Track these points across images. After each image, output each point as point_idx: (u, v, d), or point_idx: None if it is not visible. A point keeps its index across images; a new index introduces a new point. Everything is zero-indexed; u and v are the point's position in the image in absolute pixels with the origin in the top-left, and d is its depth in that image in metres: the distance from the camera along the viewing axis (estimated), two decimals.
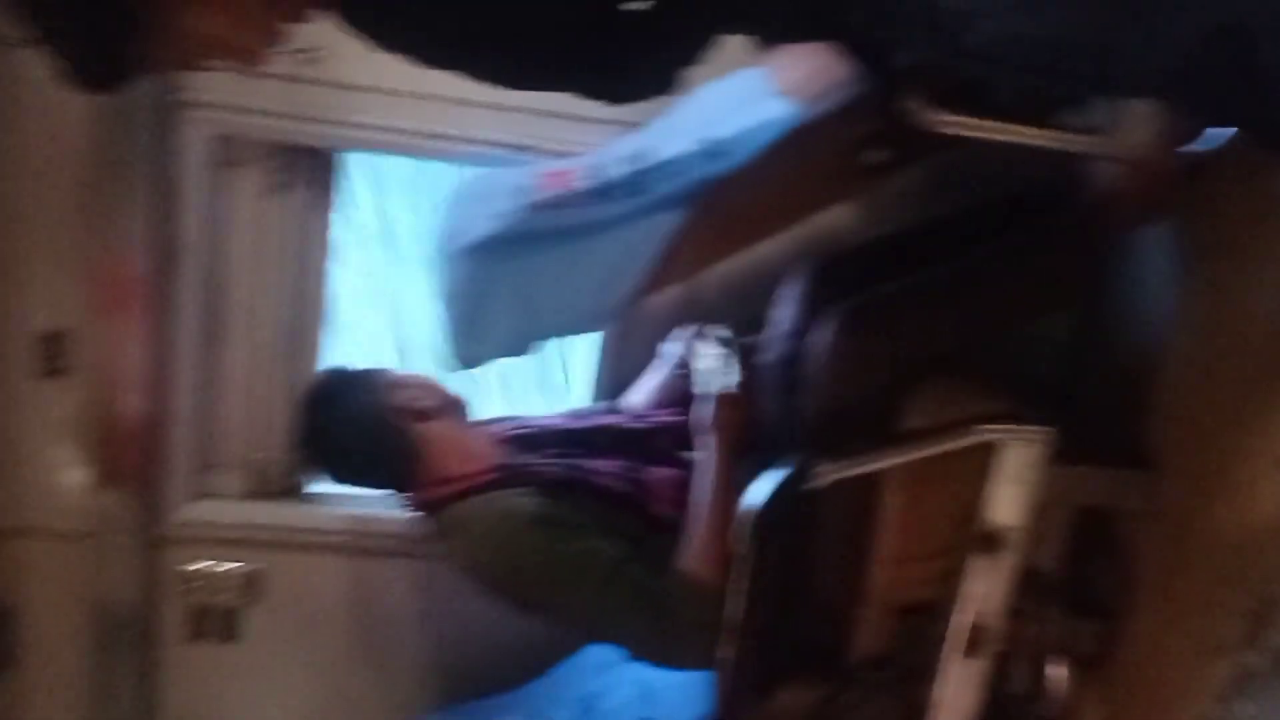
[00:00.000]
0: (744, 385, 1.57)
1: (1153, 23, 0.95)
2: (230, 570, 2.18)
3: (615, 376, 2.06)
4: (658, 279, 1.45)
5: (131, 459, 2.05)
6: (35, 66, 1.10)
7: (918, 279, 1.60)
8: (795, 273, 1.76)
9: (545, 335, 1.58)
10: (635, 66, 1.10)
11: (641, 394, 1.94)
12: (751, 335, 1.88)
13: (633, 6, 1.03)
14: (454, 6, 1.03)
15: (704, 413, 1.60)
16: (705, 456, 1.58)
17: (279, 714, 2.29)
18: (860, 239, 1.77)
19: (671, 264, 1.45)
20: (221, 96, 1.85)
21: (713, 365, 1.63)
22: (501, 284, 1.47)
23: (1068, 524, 1.71)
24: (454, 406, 1.72)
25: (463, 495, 1.62)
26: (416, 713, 2.24)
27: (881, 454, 1.51)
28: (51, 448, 2.06)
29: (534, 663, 2.17)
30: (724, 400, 1.58)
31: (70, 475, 2.07)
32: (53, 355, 1.98)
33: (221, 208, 1.98)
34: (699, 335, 1.75)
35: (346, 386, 1.70)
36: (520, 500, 1.56)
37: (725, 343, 1.64)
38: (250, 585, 2.19)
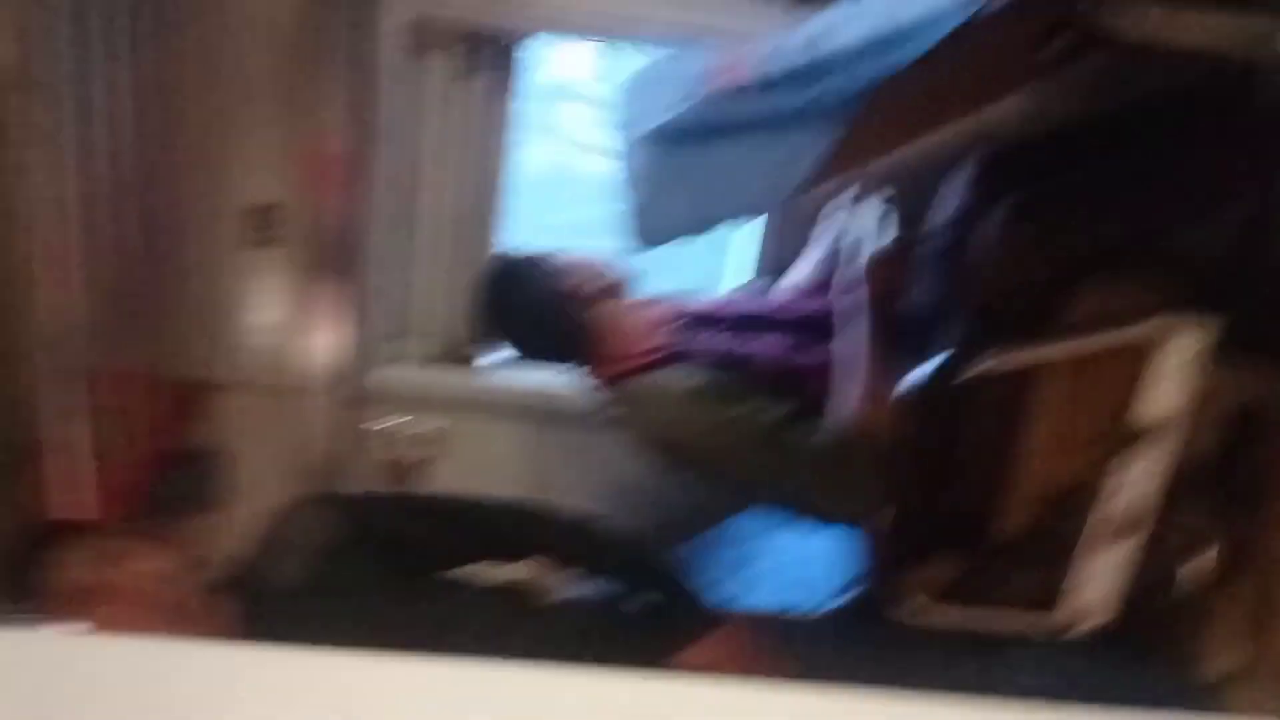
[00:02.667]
0: (900, 247, 1.57)
1: None
2: (417, 430, 2.37)
3: (779, 253, 2.13)
4: (829, 168, 1.50)
5: (332, 322, 2.23)
6: None
7: (1088, 172, 1.61)
8: (964, 162, 1.78)
9: (721, 219, 1.64)
10: None
11: (803, 269, 2.00)
12: (922, 213, 1.92)
13: None
14: None
15: (858, 271, 1.63)
16: (858, 316, 1.62)
17: None
18: (1032, 131, 1.77)
19: (843, 154, 1.48)
20: None
21: (870, 226, 1.65)
22: (680, 170, 1.53)
23: (1226, 415, 1.73)
24: (624, 287, 1.81)
25: (632, 373, 1.72)
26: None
27: (1043, 346, 1.55)
28: (262, 311, 2.26)
29: (693, 525, 2.31)
30: (878, 258, 1.60)
31: (278, 336, 2.27)
32: (263, 227, 2.16)
33: (413, 91, 2.09)
34: (860, 199, 1.78)
35: (520, 271, 1.80)
36: (687, 374, 1.66)
37: (885, 205, 1.65)
38: (435, 444, 2.39)
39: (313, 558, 1.57)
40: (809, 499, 1.60)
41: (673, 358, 1.71)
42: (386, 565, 1.61)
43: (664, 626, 1.66)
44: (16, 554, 1.50)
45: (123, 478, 2.07)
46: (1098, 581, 1.69)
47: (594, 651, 1.61)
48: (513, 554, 1.72)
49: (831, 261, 1.90)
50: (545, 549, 1.70)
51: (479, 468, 2.43)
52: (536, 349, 1.84)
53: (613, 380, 1.75)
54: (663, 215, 1.56)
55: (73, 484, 1.89)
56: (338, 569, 1.58)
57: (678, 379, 1.66)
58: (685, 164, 1.50)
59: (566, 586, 1.72)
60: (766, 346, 1.73)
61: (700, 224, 1.60)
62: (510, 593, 1.70)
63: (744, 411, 1.59)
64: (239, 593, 1.56)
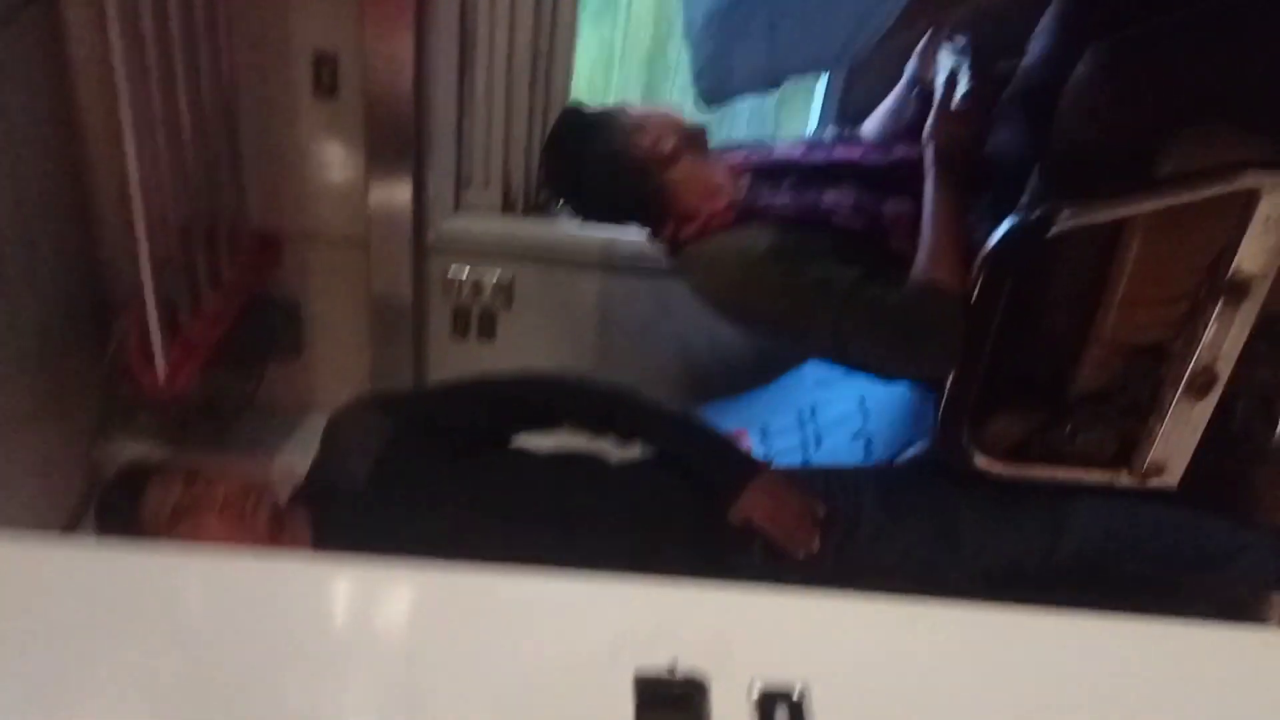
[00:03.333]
0: (975, 98, 1.50)
1: None
2: (486, 278, 2.39)
3: (855, 99, 2.06)
4: (909, 16, 1.42)
5: (397, 173, 2.22)
6: None
7: (1189, 13, 1.50)
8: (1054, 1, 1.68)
9: (791, 73, 1.57)
10: None
11: (879, 118, 1.93)
12: (1005, 59, 1.82)
13: None
14: None
15: (933, 123, 1.56)
16: (932, 170, 1.56)
17: None
18: None
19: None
20: None
21: (946, 76, 1.56)
22: (749, 21, 1.46)
23: None
24: (695, 141, 1.75)
25: (704, 232, 1.69)
26: None
27: (1132, 201, 1.49)
28: (330, 160, 2.26)
29: (759, 373, 2.33)
30: (953, 110, 1.54)
31: (347, 185, 2.27)
32: (324, 74, 2.13)
33: None
34: (937, 44, 1.69)
35: (589, 128, 1.74)
36: (759, 235, 1.62)
37: (961, 51, 1.55)
38: (504, 292, 2.41)
39: (371, 458, 1.63)
40: (887, 358, 1.58)
41: (746, 215, 1.67)
42: (440, 452, 1.67)
43: (708, 483, 1.70)
44: (109, 492, 1.57)
45: (203, 328, 2.13)
46: (1173, 437, 1.68)
47: (653, 515, 1.68)
48: (550, 423, 1.77)
49: (911, 108, 1.83)
50: (578, 417, 1.74)
51: (546, 317, 2.46)
52: (603, 210, 1.80)
53: (684, 241, 1.72)
54: (730, 70, 1.50)
55: (151, 341, 1.94)
56: (396, 464, 1.64)
57: (750, 240, 1.62)
58: (754, 15, 1.43)
59: (620, 451, 1.76)
60: (842, 199, 1.67)
61: (770, 79, 1.54)
62: (567, 460, 1.76)
63: (819, 274, 1.56)
64: (311, 501, 1.64)
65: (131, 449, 2.44)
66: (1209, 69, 1.46)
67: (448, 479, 1.64)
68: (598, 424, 1.74)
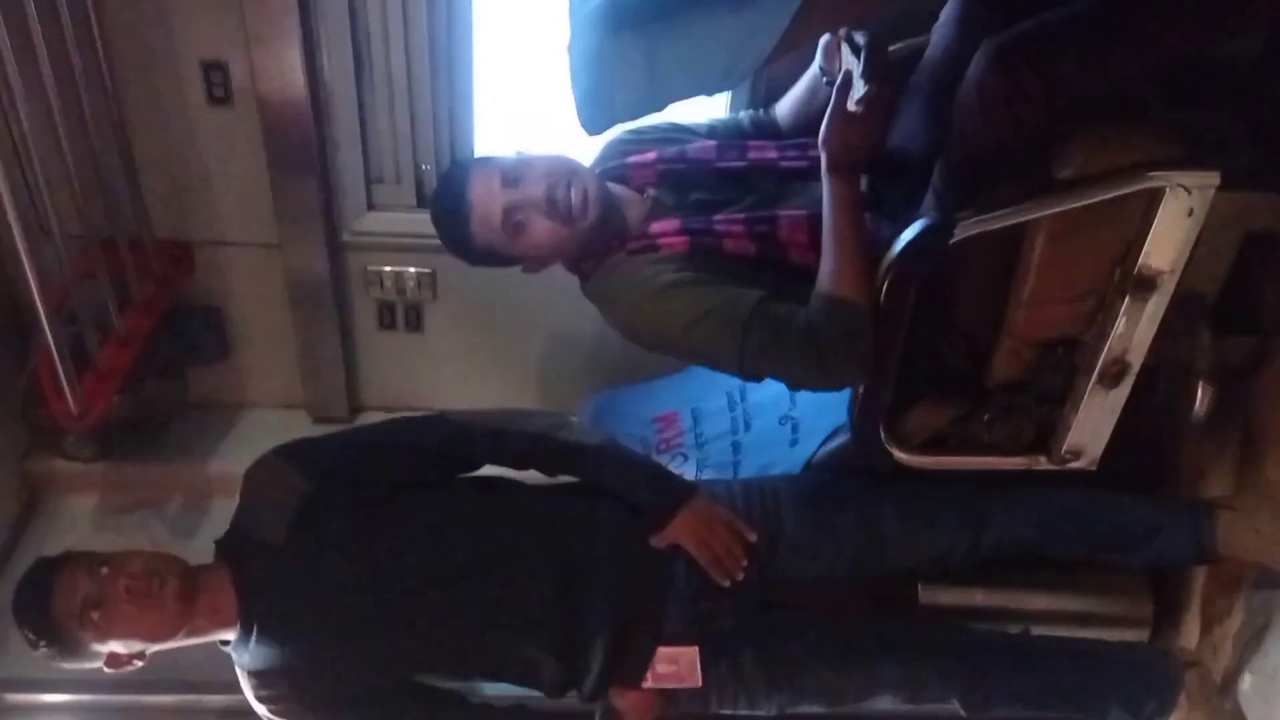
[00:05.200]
0: (869, 102, 1.42)
1: None
2: (407, 272, 2.35)
3: (771, 81, 1.99)
4: (795, 35, 1.36)
5: (304, 177, 2.16)
6: None
7: (1085, 6, 1.45)
8: None
9: (674, 98, 1.51)
10: None
11: (792, 101, 1.86)
12: (904, 46, 1.76)
13: None
14: None
15: (825, 128, 1.49)
16: (828, 177, 1.50)
17: (459, 394, 2.53)
18: None
19: (810, 17, 1.34)
20: None
21: (840, 79, 1.49)
22: (627, 54, 1.39)
23: (1233, 248, 1.65)
24: (552, 203, 1.59)
25: (603, 264, 1.65)
26: (577, 396, 2.44)
27: (1033, 204, 1.46)
28: (234, 166, 2.19)
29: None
30: (843, 119, 1.49)
31: (254, 190, 2.21)
32: (215, 84, 2.05)
33: None
34: (834, 39, 1.60)
35: (446, 210, 1.66)
36: (656, 267, 1.58)
37: (856, 50, 1.48)
38: (428, 285, 2.37)
39: (290, 511, 1.62)
40: (799, 377, 1.56)
41: (644, 248, 1.63)
42: (358, 500, 1.65)
43: (637, 510, 1.70)
44: (20, 594, 1.56)
45: (115, 352, 2.09)
46: (1089, 423, 1.68)
47: (576, 536, 1.68)
48: (471, 467, 1.76)
49: (822, 94, 1.76)
50: (503, 459, 1.74)
51: (474, 306, 2.42)
52: (491, 264, 1.74)
53: (587, 274, 1.68)
54: (611, 100, 1.44)
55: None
56: (315, 515, 1.62)
57: (648, 273, 1.58)
58: (633, 46, 1.36)
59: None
60: (734, 224, 1.61)
61: (652, 105, 1.48)
62: (493, 485, 1.76)
63: (719, 301, 1.52)
64: (232, 554, 1.63)
65: (60, 466, 2.43)
66: (1101, 66, 1.41)
67: (367, 526, 1.64)
68: (519, 464, 1.74)
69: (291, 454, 1.70)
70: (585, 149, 1.82)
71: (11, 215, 1.73)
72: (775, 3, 1.33)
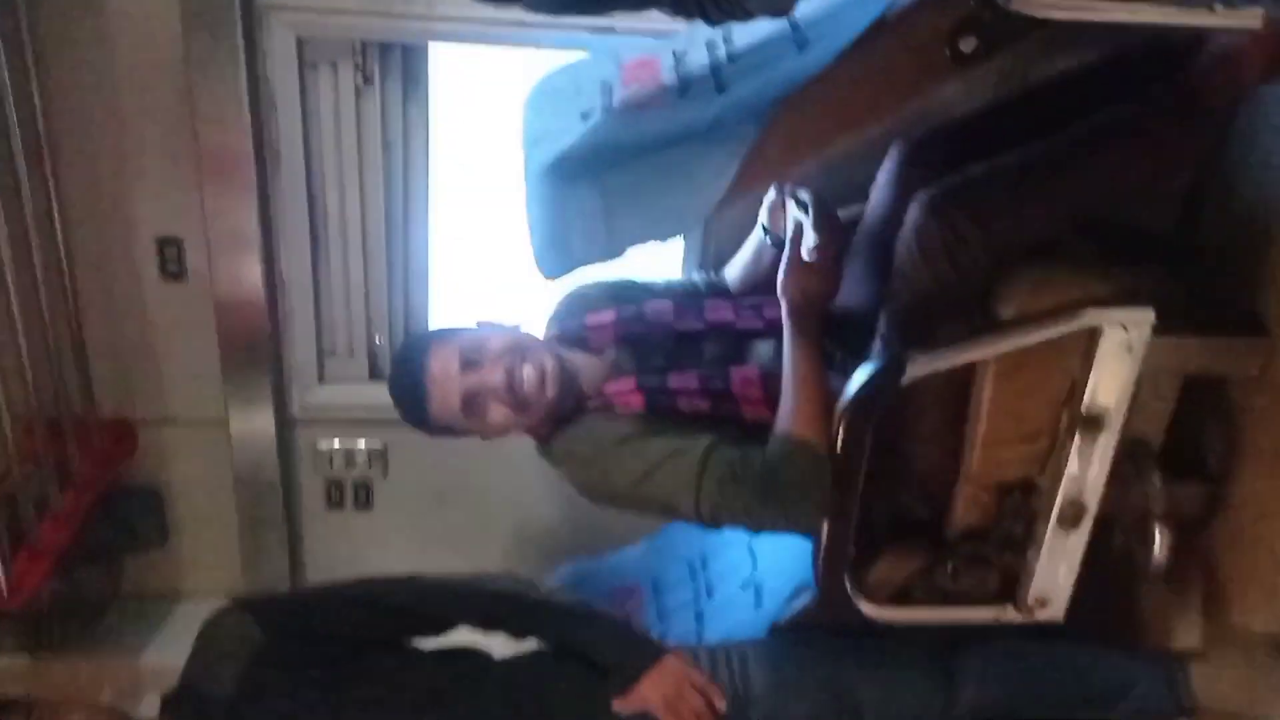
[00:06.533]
0: (821, 249, 1.47)
1: None
2: (358, 447, 2.32)
3: (719, 243, 2.06)
4: (745, 180, 1.42)
5: (255, 350, 2.16)
6: None
7: (1014, 156, 1.54)
8: (888, 152, 1.71)
9: (630, 244, 1.56)
10: None
11: (739, 266, 1.91)
12: (847, 207, 1.84)
13: None
14: None
15: (783, 278, 1.54)
16: (787, 323, 1.54)
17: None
18: (954, 116, 1.70)
19: (758, 164, 1.41)
20: None
21: (793, 231, 1.54)
22: (584, 200, 1.45)
23: (1174, 391, 1.69)
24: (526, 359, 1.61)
25: (558, 426, 1.65)
26: (535, 571, 2.37)
27: (977, 345, 1.50)
28: (183, 342, 2.19)
29: (646, 523, 2.27)
30: (799, 268, 1.52)
31: (202, 366, 2.19)
32: (169, 259, 2.08)
33: (311, 108, 2.00)
34: (782, 198, 1.67)
35: (403, 388, 1.66)
36: (608, 424, 1.59)
37: (803, 206, 1.54)
38: (378, 460, 2.34)
39: (241, 665, 1.55)
40: (757, 517, 1.54)
41: (598, 409, 1.64)
42: (315, 659, 1.59)
43: (607, 672, 1.63)
44: None
45: (51, 531, 2.01)
46: (1052, 570, 1.66)
47: (542, 710, 1.61)
48: (438, 628, 1.70)
49: (767, 255, 1.81)
50: (470, 619, 1.68)
51: (424, 482, 2.38)
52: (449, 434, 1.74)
53: (544, 437, 1.68)
54: (568, 246, 1.49)
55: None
56: (267, 672, 1.56)
57: (600, 429, 1.59)
58: (589, 194, 1.42)
59: (506, 646, 1.70)
60: (688, 382, 1.63)
61: (608, 251, 1.53)
62: (448, 658, 1.68)
63: (670, 448, 1.53)
64: (178, 709, 1.56)
65: None
66: (1032, 212, 1.49)
67: (321, 687, 1.57)
68: (487, 625, 1.68)
69: (249, 605, 1.64)
70: (541, 303, 1.84)
71: None
72: (723, 152, 1.39)
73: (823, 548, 1.66)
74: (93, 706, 1.54)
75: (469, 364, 1.59)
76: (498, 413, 1.59)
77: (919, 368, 1.50)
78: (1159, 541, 1.70)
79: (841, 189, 1.77)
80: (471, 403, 1.59)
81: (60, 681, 2.35)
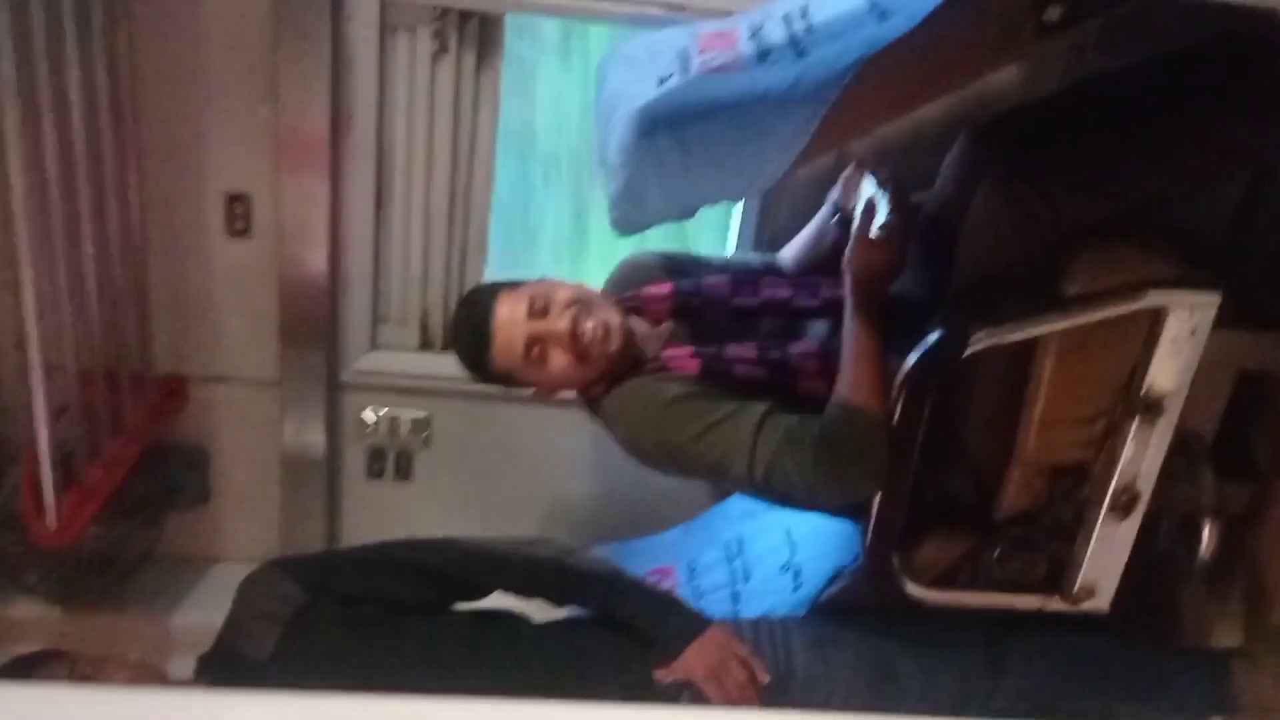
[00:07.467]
0: (891, 226, 1.48)
1: None
2: (403, 416, 2.33)
3: (773, 224, 2.08)
4: (817, 145, 1.45)
5: (311, 312, 2.19)
6: None
7: (1084, 139, 1.57)
8: (959, 132, 1.74)
9: (704, 202, 1.58)
10: None
11: (800, 244, 1.93)
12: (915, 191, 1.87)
13: None
14: None
15: (849, 254, 1.55)
16: (850, 296, 1.55)
17: None
18: (1027, 98, 1.73)
19: (832, 129, 1.44)
20: None
21: (864, 205, 1.57)
22: (663, 152, 1.47)
23: (1228, 387, 1.71)
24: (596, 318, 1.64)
25: (614, 386, 1.66)
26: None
27: (1042, 320, 1.51)
28: (243, 301, 2.21)
29: (685, 506, 2.28)
30: (867, 243, 1.52)
31: (260, 327, 2.22)
32: (238, 216, 2.11)
33: (388, 73, 2.04)
34: (861, 174, 1.69)
35: (468, 331, 1.67)
36: (664, 385, 1.61)
37: (882, 182, 1.57)
38: (422, 431, 2.35)
39: (279, 626, 1.57)
40: (811, 484, 1.54)
41: (653, 370, 1.66)
42: (353, 621, 1.60)
43: (647, 641, 1.64)
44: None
45: (100, 475, 2.03)
46: (1101, 559, 1.67)
47: (581, 674, 1.61)
48: (478, 594, 1.71)
49: (831, 235, 1.83)
50: (511, 585, 1.70)
51: (465, 456, 2.40)
52: (504, 383, 1.75)
53: (596, 398, 1.70)
54: (644, 200, 1.51)
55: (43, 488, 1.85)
56: (305, 634, 1.57)
57: (656, 388, 1.61)
58: (668, 146, 1.45)
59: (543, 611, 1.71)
60: (746, 353, 1.65)
61: (683, 208, 1.55)
62: (486, 622, 1.69)
63: (728, 409, 1.54)
64: (213, 669, 1.57)
65: (20, 607, 2.29)
66: (1099, 194, 1.51)
67: (358, 649, 1.58)
68: (527, 592, 1.70)
69: (289, 564, 1.64)
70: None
71: (34, 340, 1.74)
72: (802, 112, 1.42)
73: (873, 521, 1.67)
74: (138, 664, 1.54)
75: (537, 311, 1.61)
76: (559, 360, 1.61)
77: (982, 340, 1.52)
78: (1208, 535, 1.71)
79: (911, 173, 1.80)
80: (534, 349, 1.61)
81: (90, 636, 2.35)
